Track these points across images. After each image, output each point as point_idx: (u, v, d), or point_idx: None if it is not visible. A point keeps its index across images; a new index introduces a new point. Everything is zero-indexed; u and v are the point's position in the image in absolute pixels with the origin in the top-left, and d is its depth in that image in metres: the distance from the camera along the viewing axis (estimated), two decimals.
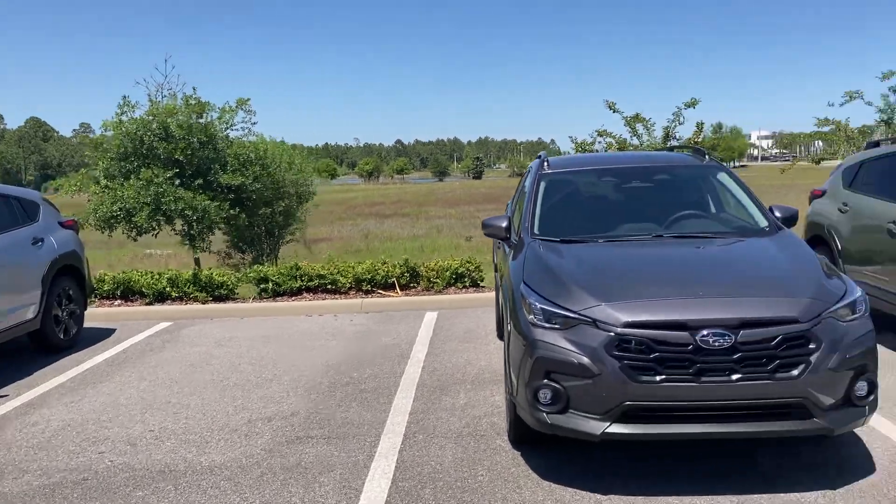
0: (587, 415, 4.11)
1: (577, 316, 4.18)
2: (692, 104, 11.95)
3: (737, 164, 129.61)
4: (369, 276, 10.05)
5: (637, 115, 12.25)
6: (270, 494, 4.35)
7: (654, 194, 5.99)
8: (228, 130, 13.54)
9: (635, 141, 12.24)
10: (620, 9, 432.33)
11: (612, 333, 4.03)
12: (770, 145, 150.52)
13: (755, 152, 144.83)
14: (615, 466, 4.50)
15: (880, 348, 6.96)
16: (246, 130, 13.72)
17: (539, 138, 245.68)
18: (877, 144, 7.82)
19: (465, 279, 10.10)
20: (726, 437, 4.01)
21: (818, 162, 18.63)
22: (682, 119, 11.97)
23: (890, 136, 10.13)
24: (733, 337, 3.92)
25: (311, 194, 13.01)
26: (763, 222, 5.39)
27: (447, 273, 10.05)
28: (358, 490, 4.36)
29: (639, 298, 4.16)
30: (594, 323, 4.11)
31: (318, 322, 9.06)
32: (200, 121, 13.12)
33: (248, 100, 13.68)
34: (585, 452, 4.67)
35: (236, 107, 13.63)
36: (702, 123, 12.43)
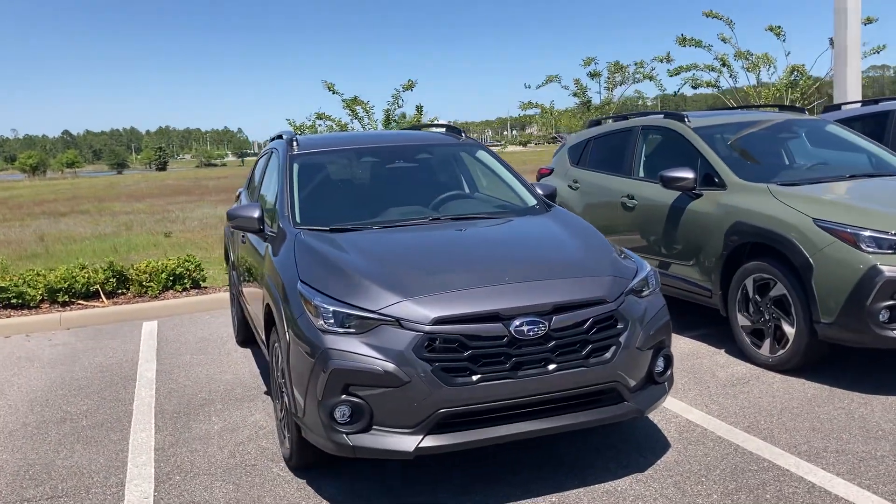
0: (396, 430, 3.55)
1: (376, 316, 3.60)
2: (409, 87, 11.84)
3: None
4: (66, 285, 8.47)
5: (355, 97, 11.85)
6: None
7: (419, 174, 5.57)
8: None
9: (356, 124, 11.87)
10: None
11: (421, 333, 3.51)
12: None
13: None
14: (419, 480, 4.01)
15: None
16: None
17: (225, 126, 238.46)
18: (598, 123, 8.16)
19: (185, 280, 8.95)
20: (547, 433, 3.68)
21: (525, 144, 19.79)
22: (401, 102, 11.84)
23: (611, 114, 10.77)
24: (547, 324, 3.60)
25: None
26: (531, 200, 5.20)
27: (163, 275, 8.81)
28: None
29: (444, 290, 3.68)
30: (398, 322, 3.56)
31: (5, 346, 7.40)
32: None
33: None
34: (380, 469, 4.12)
35: None
36: (421, 106, 12.39)
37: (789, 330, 5.24)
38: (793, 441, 4.26)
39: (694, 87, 14.38)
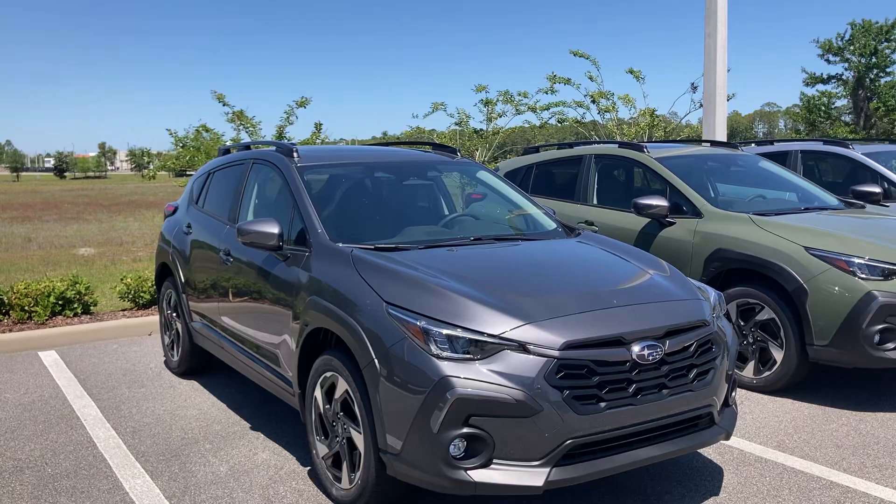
0: (520, 463, 3.29)
1: (498, 341, 3.32)
2: (303, 103, 11.32)
3: None
4: None
5: (241, 112, 11.16)
6: None
7: (426, 192, 5.31)
8: None
9: (245, 137, 11.20)
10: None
11: (553, 358, 3.29)
12: None
13: None
14: None
15: None
16: None
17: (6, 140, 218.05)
18: (536, 150, 8.23)
19: (76, 305, 7.87)
20: (660, 459, 3.57)
21: None
22: (293, 119, 11.30)
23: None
24: (662, 348, 3.52)
25: None
26: (551, 223, 5.08)
27: (50, 298, 7.70)
28: None
29: (565, 314, 3.48)
30: (523, 347, 3.31)
31: None
32: None
33: None
34: None
35: None
36: (320, 124, 11.84)
37: (777, 352, 5.50)
38: (830, 458, 4.45)
39: (560, 122, 15.04)
